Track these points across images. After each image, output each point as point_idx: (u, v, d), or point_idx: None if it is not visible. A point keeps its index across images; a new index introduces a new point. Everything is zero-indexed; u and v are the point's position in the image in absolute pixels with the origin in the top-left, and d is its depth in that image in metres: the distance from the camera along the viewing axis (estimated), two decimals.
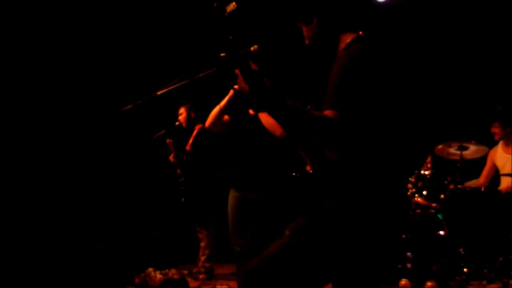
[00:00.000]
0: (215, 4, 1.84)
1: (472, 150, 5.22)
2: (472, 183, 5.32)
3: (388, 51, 1.97)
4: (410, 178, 4.83)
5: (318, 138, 1.88)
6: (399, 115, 1.97)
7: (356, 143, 1.88)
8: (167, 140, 5.57)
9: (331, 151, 1.91)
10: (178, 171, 5.65)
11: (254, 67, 1.83)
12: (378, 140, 1.92)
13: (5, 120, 5.40)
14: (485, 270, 4.46)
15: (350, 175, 1.87)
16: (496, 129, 5.24)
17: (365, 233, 1.84)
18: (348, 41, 2.00)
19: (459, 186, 4.81)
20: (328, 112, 1.82)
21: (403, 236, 4.53)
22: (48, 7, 5.64)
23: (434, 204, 4.73)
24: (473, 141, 5.13)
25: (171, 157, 5.63)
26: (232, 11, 1.82)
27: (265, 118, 3.44)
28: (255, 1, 5.83)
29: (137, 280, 4.63)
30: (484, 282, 4.41)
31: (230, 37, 1.78)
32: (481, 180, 5.41)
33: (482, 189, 4.89)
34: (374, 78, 1.88)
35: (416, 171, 4.83)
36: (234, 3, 1.83)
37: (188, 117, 5.59)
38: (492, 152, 5.36)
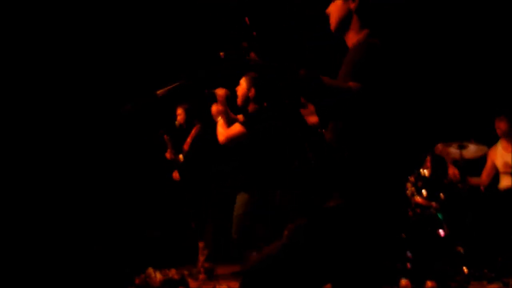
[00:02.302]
0: None
1: (471, 150, 5.20)
2: (475, 179, 5.31)
3: (399, 51, 1.98)
4: (409, 178, 4.83)
5: (337, 111, 1.85)
6: (405, 114, 1.98)
7: (362, 139, 1.88)
8: (165, 136, 5.58)
9: (334, 149, 1.90)
10: (176, 173, 5.66)
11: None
12: (382, 139, 1.93)
13: (5, 120, 5.40)
14: (485, 270, 4.45)
15: (351, 175, 1.87)
16: (501, 124, 5.20)
17: (365, 234, 1.84)
18: (362, 35, 2.04)
19: (459, 185, 4.81)
20: (351, 83, 1.82)
21: (403, 236, 4.53)
22: (48, 7, 5.64)
23: (433, 204, 4.73)
24: (472, 140, 5.11)
25: (167, 154, 5.65)
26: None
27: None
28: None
29: (137, 281, 4.63)
30: (484, 282, 4.41)
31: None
32: (483, 178, 5.39)
33: (482, 189, 4.88)
34: (388, 73, 1.90)
35: (415, 171, 4.83)
36: None
37: (187, 118, 5.62)
38: (491, 151, 5.34)
